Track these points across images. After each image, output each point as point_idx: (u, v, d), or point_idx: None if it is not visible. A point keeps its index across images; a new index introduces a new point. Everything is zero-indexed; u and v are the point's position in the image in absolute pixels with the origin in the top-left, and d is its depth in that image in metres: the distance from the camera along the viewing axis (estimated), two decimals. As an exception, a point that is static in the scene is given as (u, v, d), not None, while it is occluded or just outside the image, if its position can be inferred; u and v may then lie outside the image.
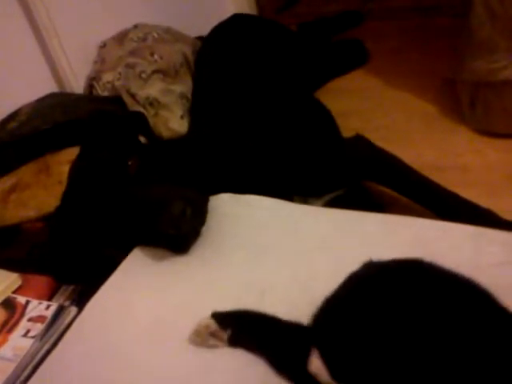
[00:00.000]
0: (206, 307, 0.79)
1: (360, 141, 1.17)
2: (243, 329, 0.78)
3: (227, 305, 0.80)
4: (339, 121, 1.33)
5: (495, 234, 0.83)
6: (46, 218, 1.10)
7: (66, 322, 0.93)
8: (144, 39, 1.56)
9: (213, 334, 0.78)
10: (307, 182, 1.08)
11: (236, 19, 1.71)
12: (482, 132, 1.29)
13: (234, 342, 0.77)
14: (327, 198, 1.07)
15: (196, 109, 1.44)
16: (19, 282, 1.02)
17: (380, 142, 1.18)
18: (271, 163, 1.11)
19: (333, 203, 1.04)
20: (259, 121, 1.24)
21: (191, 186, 1.01)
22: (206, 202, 1.01)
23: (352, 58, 1.78)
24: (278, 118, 1.26)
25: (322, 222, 0.94)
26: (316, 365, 0.65)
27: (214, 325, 0.78)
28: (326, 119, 1.32)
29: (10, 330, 0.92)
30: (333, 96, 1.55)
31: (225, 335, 0.77)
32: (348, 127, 1.31)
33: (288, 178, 1.09)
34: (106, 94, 1.48)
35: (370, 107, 1.52)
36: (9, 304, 0.98)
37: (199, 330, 0.79)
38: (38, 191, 1.16)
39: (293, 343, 0.72)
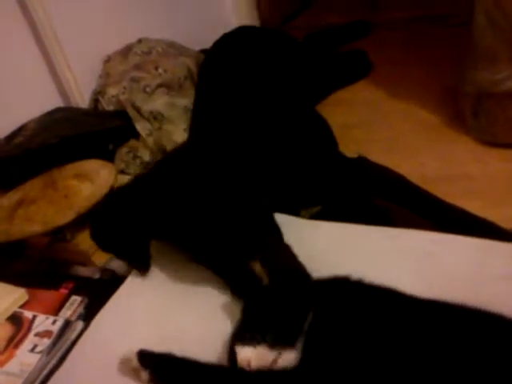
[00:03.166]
0: (212, 327, 0.79)
1: (362, 162, 1.17)
2: (162, 372, 0.77)
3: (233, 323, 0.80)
4: (342, 132, 1.33)
5: (499, 247, 0.83)
6: (53, 232, 1.11)
7: (73, 336, 0.93)
8: (148, 53, 1.57)
9: (134, 371, 0.78)
10: (297, 194, 1.09)
11: (240, 31, 1.72)
12: (485, 142, 1.29)
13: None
14: (315, 209, 1.08)
15: (196, 120, 1.44)
16: (26, 297, 1.02)
17: (383, 154, 1.19)
18: (270, 176, 1.12)
19: (338, 217, 1.04)
20: (260, 134, 1.24)
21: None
22: None
23: (355, 69, 1.79)
24: (279, 131, 1.26)
25: (324, 236, 0.95)
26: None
27: (135, 361, 0.78)
28: (324, 133, 1.32)
29: (17, 345, 0.92)
30: (336, 107, 1.56)
31: (144, 376, 0.76)
32: (351, 139, 1.32)
33: (277, 191, 1.10)
34: (111, 108, 1.49)
35: (373, 118, 1.52)
36: (16, 319, 0.98)
37: (124, 362, 0.80)
38: (45, 206, 1.17)
39: None
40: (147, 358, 0.78)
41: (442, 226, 0.99)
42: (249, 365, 0.67)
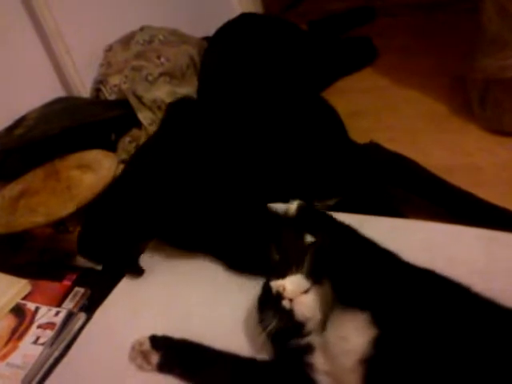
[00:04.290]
0: (215, 317, 0.78)
1: (374, 147, 1.15)
2: (173, 357, 0.78)
3: (238, 315, 0.79)
4: (347, 120, 1.31)
5: (508, 238, 0.82)
6: (56, 224, 1.10)
7: (75, 328, 0.93)
8: (150, 42, 1.55)
9: (143, 354, 0.79)
10: (311, 186, 1.07)
11: (243, 18, 1.70)
12: (492, 131, 1.27)
13: (162, 368, 0.78)
14: (331, 202, 1.06)
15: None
16: (29, 288, 1.02)
17: (389, 142, 1.16)
18: (277, 165, 1.10)
19: (353, 209, 1.03)
20: (265, 121, 1.23)
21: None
22: None
23: (360, 56, 1.77)
24: (284, 118, 1.24)
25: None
26: None
27: (147, 345, 0.79)
28: (333, 120, 1.30)
29: (20, 337, 0.92)
30: (341, 95, 1.54)
31: (155, 359, 0.78)
32: (356, 127, 1.30)
33: (291, 182, 1.08)
34: (113, 97, 1.48)
35: (379, 106, 1.51)
36: (18, 311, 0.98)
37: (133, 346, 0.80)
38: (47, 197, 1.16)
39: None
40: (159, 341, 0.80)
41: (455, 214, 0.98)
42: (284, 289, 0.69)
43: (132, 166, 1.03)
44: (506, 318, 0.60)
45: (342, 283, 0.67)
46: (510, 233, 0.83)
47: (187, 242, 0.95)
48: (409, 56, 1.70)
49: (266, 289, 0.73)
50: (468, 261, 0.77)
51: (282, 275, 0.71)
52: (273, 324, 0.69)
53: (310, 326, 0.68)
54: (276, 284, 0.70)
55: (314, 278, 0.69)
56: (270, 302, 0.71)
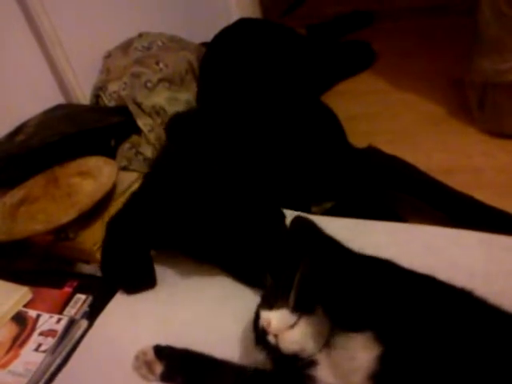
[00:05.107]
0: (217, 325, 0.78)
1: (373, 152, 1.16)
2: (176, 367, 0.78)
3: (240, 323, 0.79)
4: (347, 124, 1.32)
5: (507, 241, 0.82)
6: (56, 231, 1.10)
7: (77, 335, 0.93)
8: (149, 48, 1.56)
9: (148, 364, 0.78)
10: (309, 189, 1.08)
11: (241, 23, 1.71)
12: (491, 133, 1.28)
13: (165, 378, 0.77)
14: (328, 205, 1.06)
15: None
16: (30, 295, 1.02)
17: (388, 146, 1.17)
18: (278, 172, 1.10)
19: (350, 213, 1.03)
20: (264, 126, 1.23)
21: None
22: None
23: (359, 60, 1.77)
24: (283, 122, 1.25)
25: (331, 230, 0.93)
26: None
27: (151, 354, 0.79)
28: (333, 124, 1.31)
29: (22, 345, 0.92)
30: (340, 99, 1.55)
31: (158, 369, 0.77)
32: (356, 130, 1.30)
33: (290, 185, 1.08)
34: (112, 104, 1.48)
35: (377, 110, 1.51)
36: (20, 318, 0.98)
37: (137, 355, 0.80)
38: (47, 204, 1.16)
39: None
40: (163, 351, 0.79)
41: (455, 218, 0.98)
42: (269, 325, 0.67)
43: (149, 180, 1.03)
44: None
45: (337, 311, 0.65)
46: (510, 236, 0.83)
47: (197, 250, 0.95)
48: (407, 59, 1.71)
49: (257, 315, 0.72)
50: (468, 264, 0.77)
51: (271, 304, 0.69)
52: (264, 355, 0.69)
53: (304, 354, 0.66)
54: (262, 318, 0.69)
55: (302, 309, 0.68)
56: (259, 332, 0.70)
